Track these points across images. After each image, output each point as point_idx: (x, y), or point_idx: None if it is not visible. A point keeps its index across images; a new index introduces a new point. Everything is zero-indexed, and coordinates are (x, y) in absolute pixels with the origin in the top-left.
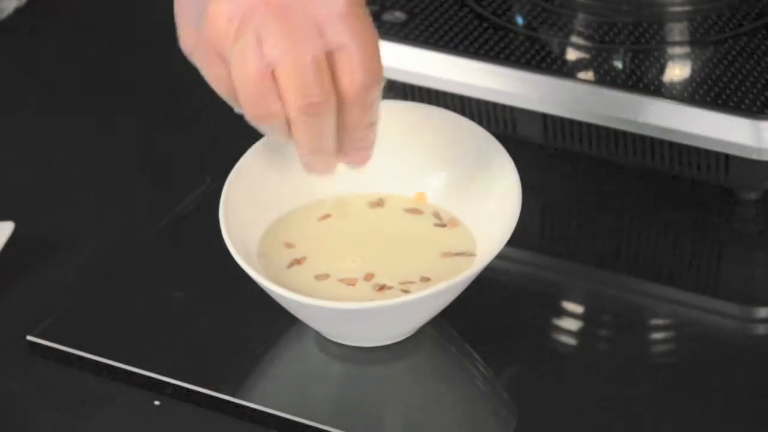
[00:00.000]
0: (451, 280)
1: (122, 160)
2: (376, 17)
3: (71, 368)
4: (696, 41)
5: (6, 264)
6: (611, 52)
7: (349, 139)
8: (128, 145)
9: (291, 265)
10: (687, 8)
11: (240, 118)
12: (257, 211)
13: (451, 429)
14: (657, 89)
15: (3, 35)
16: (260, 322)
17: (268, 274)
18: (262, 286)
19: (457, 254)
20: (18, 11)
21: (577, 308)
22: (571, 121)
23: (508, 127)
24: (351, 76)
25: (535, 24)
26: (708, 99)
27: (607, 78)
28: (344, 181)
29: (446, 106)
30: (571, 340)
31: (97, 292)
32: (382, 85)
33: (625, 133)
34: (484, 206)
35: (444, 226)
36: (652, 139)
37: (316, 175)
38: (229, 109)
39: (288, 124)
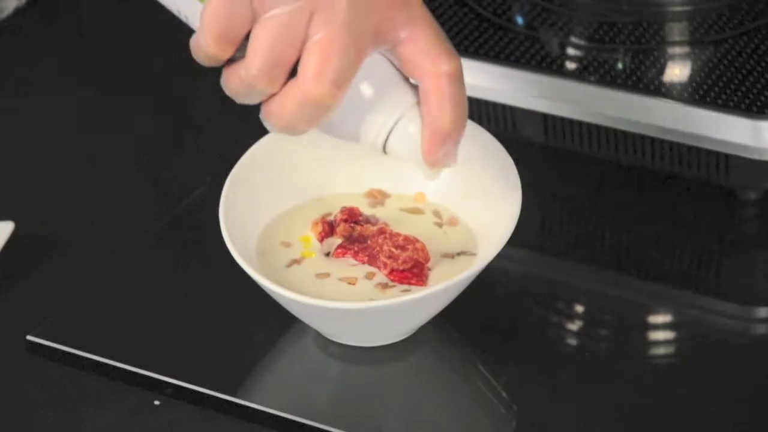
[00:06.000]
0: (450, 280)
1: (122, 160)
2: None
3: (71, 368)
4: (696, 41)
5: (6, 264)
6: (611, 52)
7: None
8: (128, 145)
9: (291, 264)
10: (687, 8)
11: (239, 119)
12: (257, 211)
13: (451, 429)
14: (657, 89)
15: (3, 35)
16: (260, 322)
17: (267, 273)
18: (262, 286)
19: (458, 254)
20: (18, 11)
21: (577, 308)
22: (571, 121)
23: (508, 127)
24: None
25: (535, 24)
26: (708, 99)
27: (607, 78)
28: (344, 181)
29: None
30: (571, 340)
31: (97, 292)
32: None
33: (625, 133)
34: (484, 206)
35: (444, 225)
36: (652, 139)
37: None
38: (228, 110)
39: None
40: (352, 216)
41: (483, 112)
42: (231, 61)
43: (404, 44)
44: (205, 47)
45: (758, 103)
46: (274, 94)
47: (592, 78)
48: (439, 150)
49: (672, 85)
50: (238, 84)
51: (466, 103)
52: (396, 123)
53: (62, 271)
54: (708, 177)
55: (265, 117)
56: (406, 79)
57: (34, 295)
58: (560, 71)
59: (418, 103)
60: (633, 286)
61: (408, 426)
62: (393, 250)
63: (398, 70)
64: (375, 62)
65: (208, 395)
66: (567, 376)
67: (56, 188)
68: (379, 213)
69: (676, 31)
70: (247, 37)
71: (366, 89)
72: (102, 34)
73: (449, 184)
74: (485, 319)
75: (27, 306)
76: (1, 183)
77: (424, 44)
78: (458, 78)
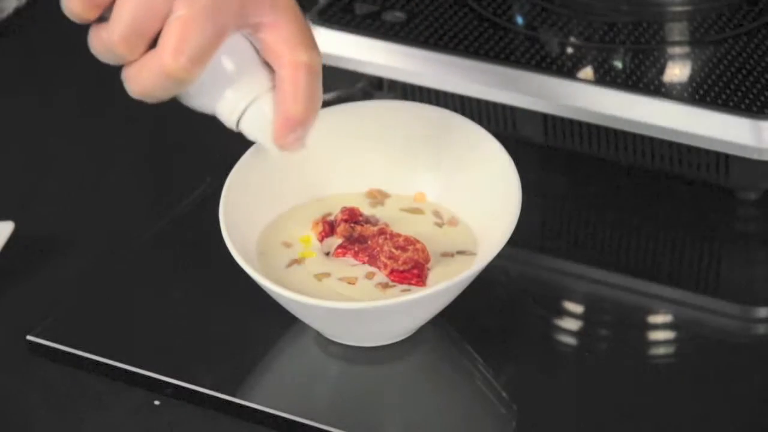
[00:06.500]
0: (451, 280)
1: (122, 160)
2: (376, 17)
3: (71, 368)
4: (696, 41)
5: (6, 264)
6: (611, 52)
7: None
8: (128, 144)
9: (291, 264)
10: (687, 8)
11: None
12: (257, 211)
13: (451, 429)
14: (657, 89)
15: (3, 35)
16: (260, 322)
17: (267, 273)
18: (262, 286)
19: (458, 253)
20: (18, 11)
21: (577, 308)
22: (571, 121)
23: (508, 127)
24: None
25: (535, 24)
26: (708, 99)
27: (607, 78)
28: (344, 181)
29: (446, 106)
30: (571, 340)
31: (97, 292)
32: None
33: (625, 133)
34: (484, 206)
35: (444, 225)
36: (652, 139)
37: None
38: None
39: None
40: (352, 216)
41: (483, 112)
42: (100, 19)
43: (266, 30)
44: (71, 6)
45: (758, 103)
46: (135, 60)
47: (592, 78)
48: (289, 135)
49: (672, 85)
50: (99, 45)
51: (320, 95)
52: (250, 104)
53: (62, 271)
54: (708, 177)
55: (124, 80)
56: (266, 64)
57: (34, 295)
58: (560, 71)
59: (275, 87)
60: (633, 286)
61: (408, 426)
62: (393, 250)
63: (258, 54)
64: (237, 43)
65: (208, 395)
66: (567, 376)
67: (56, 188)
68: (380, 213)
69: (676, 31)
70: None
71: (225, 67)
72: None
73: (449, 184)
74: (485, 319)
75: (27, 306)
76: (1, 183)
77: (286, 33)
78: (315, 71)
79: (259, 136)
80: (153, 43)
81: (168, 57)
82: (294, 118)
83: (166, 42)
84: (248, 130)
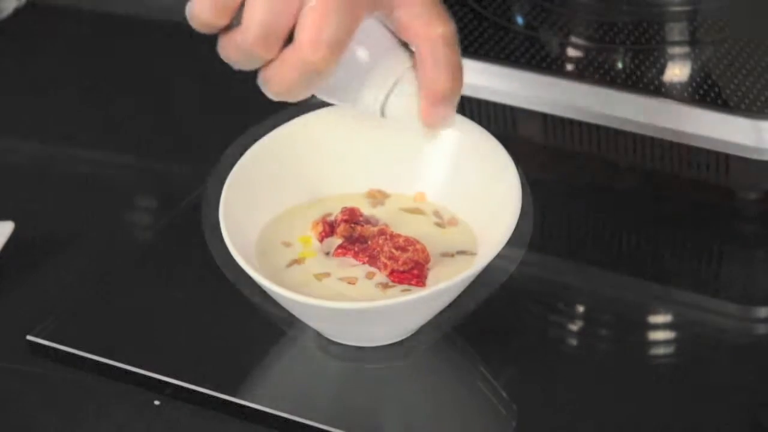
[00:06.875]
0: (451, 280)
1: (122, 161)
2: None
3: (71, 368)
4: (696, 41)
5: (6, 264)
6: (611, 52)
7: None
8: (128, 145)
9: (291, 264)
10: (687, 8)
11: (239, 119)
12: (256, 211)
13: (451, 429)
14: (657, 89)
15: (3, 35)
16: (260, 322)
17: (267, 273)
18: (262, 286)
19: (458, 253)
20: (18, 11)
21: (577, 308)
22: (571, 121)
23: (508, 127)
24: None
25: (535, 24)
26: (708, 99)
27: (607, 78)
28: (344, 181)
29: None
30: (571, 340)
31: (97, 292)
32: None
33: (625, 133)
34: (484, 206)
35: (444, 225)
36: (652, 139)
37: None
38: (229, 110)
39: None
40: (352, 216)
41: (483, 112)
42: (227, 27)
43: (399, 9)
44: (200, 14)
45: (758, 103)
46: (271, 60)
47: (592, 78)
48: (437, 112)
49: (672, 85)
50: (234, 51)
51: (461, 66)
52: (393, 86)
53: (62, 271)
54: (708, 177)
55: (263, 83)
56: (402, 43)
57: (34, 295)
58: (560, 71)
59: (414, 66)
60: (633, 286)
61: (408, 426)
62: (393, 251)
63: (393, 34)
64: (371, 27)
65: (208, 395)
66: (567, 376)
67: (56, 188)
68: (380, 213)
69: (676, 31)
70: (242, 4)
71: (363, 53)
72: (102, 33)
73: (449, 184)
74: (485, 319)
75: (27, 306)
76: (1, 183)
77: (418, 9)
78: (452, 41)
79: (406, 118)
80: (289, 40)
81: (307, 49)
82: (439, 91)
83: (304, 34)
84: (394, 112)
